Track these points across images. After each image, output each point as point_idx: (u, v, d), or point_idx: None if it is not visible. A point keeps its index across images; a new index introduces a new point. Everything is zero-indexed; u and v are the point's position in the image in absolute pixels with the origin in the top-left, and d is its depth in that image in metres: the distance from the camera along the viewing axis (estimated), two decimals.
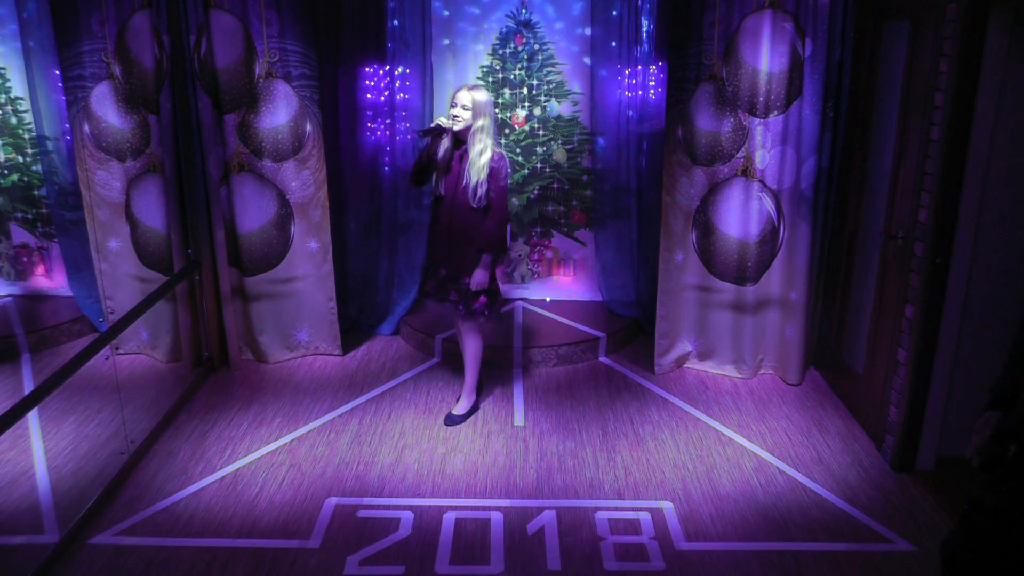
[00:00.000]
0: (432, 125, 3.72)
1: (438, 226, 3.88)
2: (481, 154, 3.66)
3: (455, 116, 3.68)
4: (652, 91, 4.91)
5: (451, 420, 4.10)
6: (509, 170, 4.24)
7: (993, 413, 2.09)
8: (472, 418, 4.15)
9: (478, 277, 3.79)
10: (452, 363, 4.81)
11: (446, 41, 5.10)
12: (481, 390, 4.36)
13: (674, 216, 4.48)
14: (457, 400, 4.21)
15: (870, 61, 4.04)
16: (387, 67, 4.85)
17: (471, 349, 4.06)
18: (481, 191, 3.65)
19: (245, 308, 4.75)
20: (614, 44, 4.92)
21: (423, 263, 4.05)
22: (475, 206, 3.68)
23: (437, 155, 3.77)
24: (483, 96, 3.67)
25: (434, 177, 3.84)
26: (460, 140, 3.77)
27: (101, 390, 4.20)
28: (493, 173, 3.68)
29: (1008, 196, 3.35)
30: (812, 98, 4.15)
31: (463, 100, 3.66)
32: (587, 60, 5.07)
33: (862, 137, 4.14)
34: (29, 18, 4.80)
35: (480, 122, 3.65)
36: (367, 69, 4.85)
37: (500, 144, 4.03)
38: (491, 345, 4.78)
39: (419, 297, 4.17)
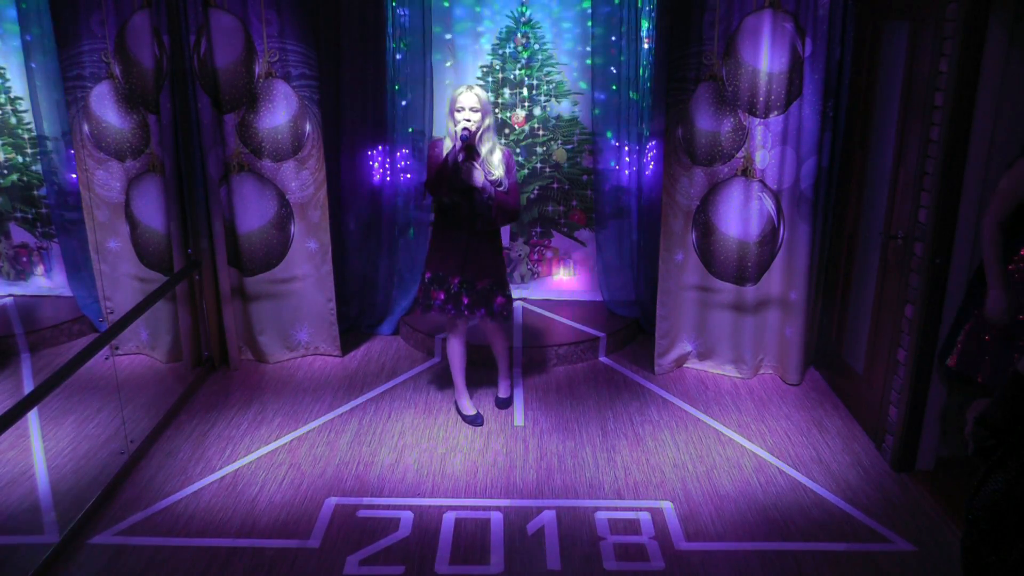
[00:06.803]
0: (463, 134, 3.53)
1: (454, 232, 3.74)
2: (492, 152, 3.65)
3: (468, 120, 3.55)
4: (651, 92, 4.91)
5: (503, 403, 4.27)
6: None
7: (983, 400, 2.11)
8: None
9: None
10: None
11: (448, 36, 5.10)
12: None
13: (674, 216, 4.48)
14: (499, 387, 4.33)
15: (870, 61, 4.03)
16: (387, 66, 4.85)
17: (501, 345, 4.18)
18: (501, 188, 3.67)
19: (245, 308, 4.75)
20: (614, 39, 4.91)
21: (427, 277, 3.85)
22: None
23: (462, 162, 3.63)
24: (484, 93, 3.63)
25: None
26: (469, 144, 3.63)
27: (101, 390, 4.19)
28: (509, 169, 3.70)
29: None
30: (812, 98, 4.15)
31: (471, 102, 3.56)
32: (588, 62, 5.08)
33: (862, 137, 4.13)
34: (29, 17, 4.80)
35: (488, 121, 3.62)
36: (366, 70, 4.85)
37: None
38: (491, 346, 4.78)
39: (421, 312, 3.95)
